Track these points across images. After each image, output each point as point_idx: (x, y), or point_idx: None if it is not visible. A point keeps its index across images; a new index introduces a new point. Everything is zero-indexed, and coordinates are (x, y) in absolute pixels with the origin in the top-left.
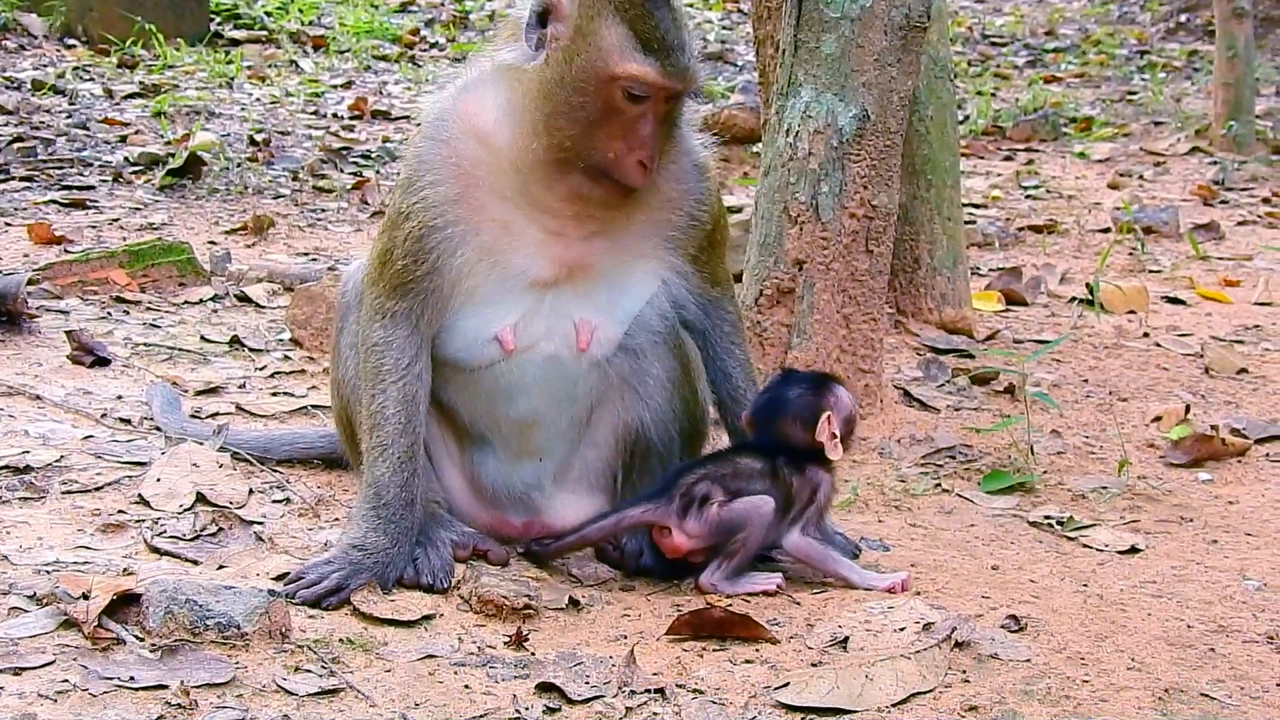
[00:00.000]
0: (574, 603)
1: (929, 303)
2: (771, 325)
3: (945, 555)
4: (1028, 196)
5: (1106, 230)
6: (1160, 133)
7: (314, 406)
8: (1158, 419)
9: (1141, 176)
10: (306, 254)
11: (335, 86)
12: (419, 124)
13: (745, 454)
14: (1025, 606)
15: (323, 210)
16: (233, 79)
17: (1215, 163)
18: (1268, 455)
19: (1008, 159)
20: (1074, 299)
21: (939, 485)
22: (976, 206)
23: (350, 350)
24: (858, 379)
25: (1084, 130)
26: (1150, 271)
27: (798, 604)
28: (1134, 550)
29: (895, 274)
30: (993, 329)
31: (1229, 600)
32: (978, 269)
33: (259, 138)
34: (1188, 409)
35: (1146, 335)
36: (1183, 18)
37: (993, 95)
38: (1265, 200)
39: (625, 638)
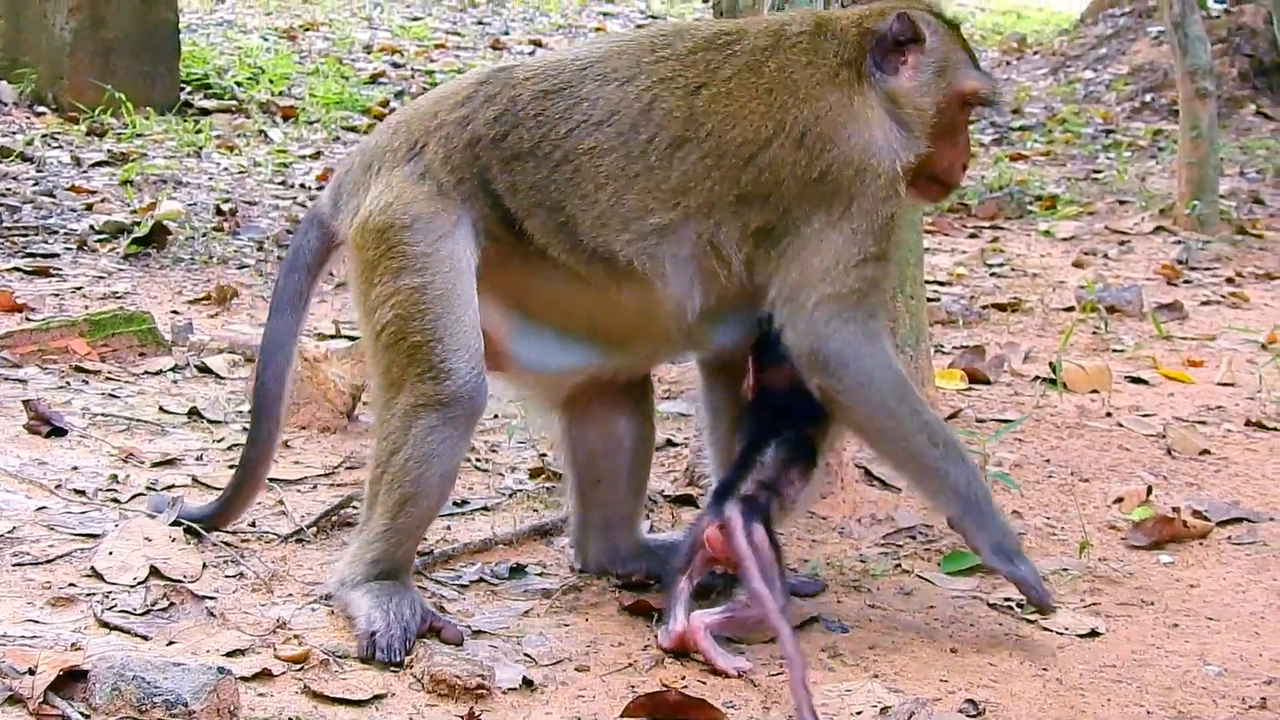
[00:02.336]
0: (528, 682)
1: None
2: None
3: (904, 637)
4: (992, 274)
5: (1071, 309)
6: (1125, 212)
7: (271, 480)
8: (1119, 500)
9: (1106, 255)
10: None
11: (303, 157)
12: None
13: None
14: (984, 690)
15: None
16: (201, 148)
17: (1179, 242)
18: (1229, 538)
19: (973, 236)
20: (1037, 378)
21: (899, 566)
22: (941, 284)
23: None
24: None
25: (1049, 208)
26: (1114, 351)
27: (755, 685)
28: (1094, 634)
29: None
30: (955, 408)
31: (1189, 686)
32: (941, 347)
33: (225, 207)
34: (1149, 490)
35: (1109, 415)
36: (1147, 97)
37: None
38: (1229, 280)
39: (579, 719)
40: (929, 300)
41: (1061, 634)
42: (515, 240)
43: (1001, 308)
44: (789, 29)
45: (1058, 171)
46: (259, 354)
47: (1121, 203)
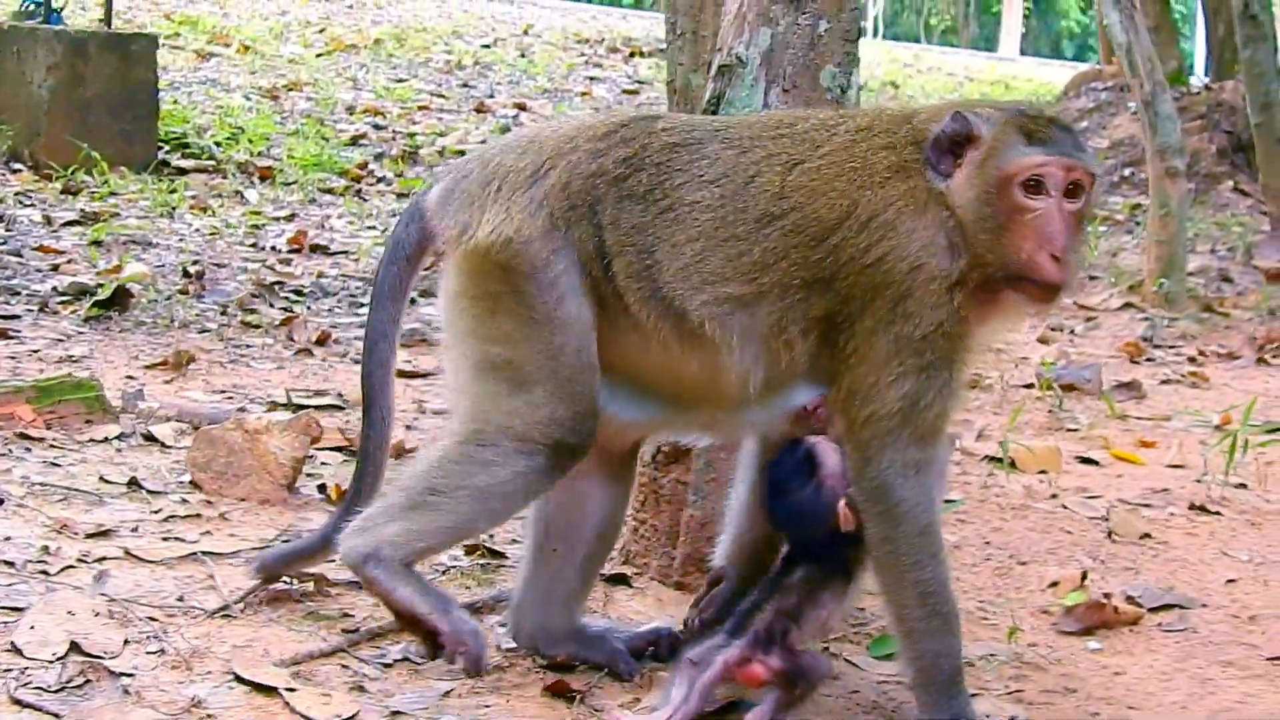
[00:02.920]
0: None
1: None
2: (668, 483)
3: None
4: None
5: (1030, 386)
6: (1095, 287)
7: (204, 553)
8: (1054, 584)
9: (1073, 331)
10: (223, 391)
11: (278, 219)
12: None
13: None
14: None
15: (248, 346)
16: (175, 208)
17: (1146, 319)
18: (1160, 625)
19: None
20: (986, 457)
21: (827, 649)
22: None
23: None
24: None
25: None
26: (1068, 430)
27: None
28: None
29: None
30: None
31: None
32: None
33: (193, 269)
34: (1084, 575)
35: (1054, 496)
36: (1126, 171)
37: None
38: (1191, 359)
39: None
40: None
41: None
42: (604, 280)
43: None
44: (883, 116)
45: None
46: (364, 345)
47: (1092, 278)
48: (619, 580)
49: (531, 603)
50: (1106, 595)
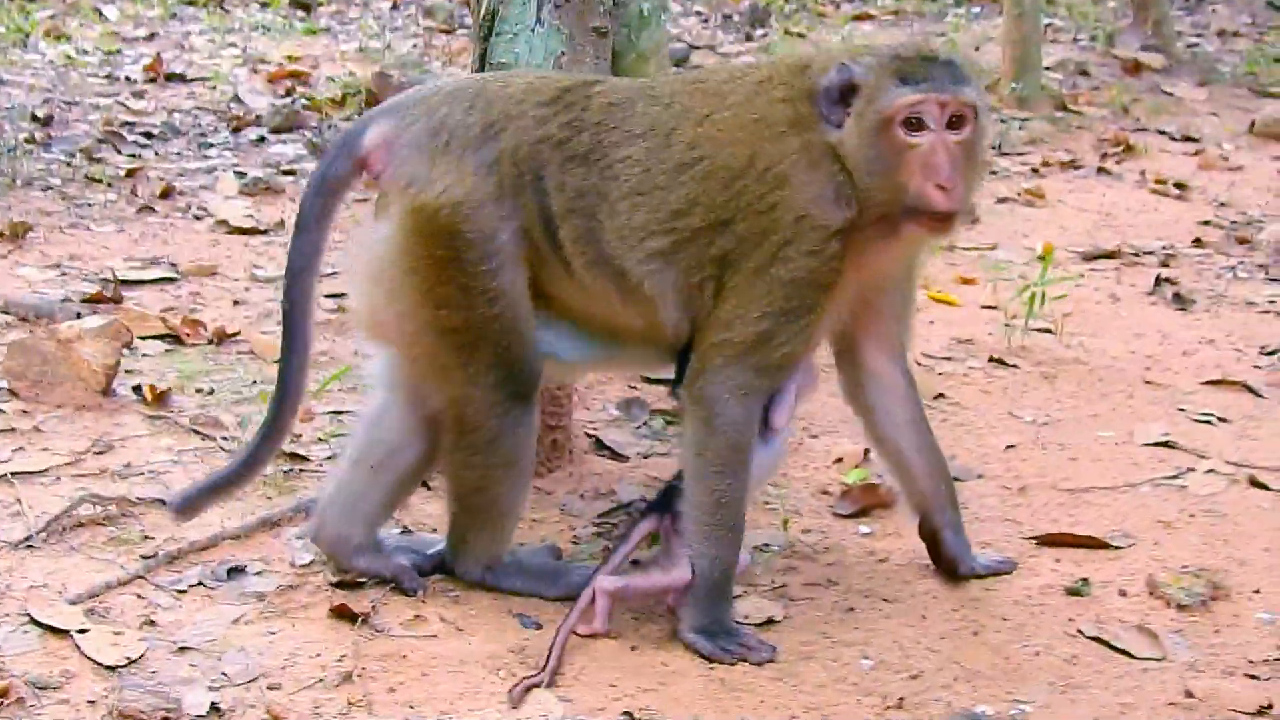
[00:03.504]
0: (215, 708)
1: None
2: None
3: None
4: None
5: None
6: None
7: (14, 474)
8: (839, 460)
9: None
10: (59, 266)
11: (137, 39)
12: None
13: None
14: (649, 696)
15: (89, 205)
16: (28, 35)
17: (1001, 120)
18: None
19: None
20: None
21: (608, 549)
22: None
23: None
24: (546, 435)
25: None
26: None
27: None
28: (770, 622)
29: None
30: None
31: (841, 683)
32: None
33: (41, 113)
34: (867, 451)
35: None
36: None
37: (801, 37)
38: (1034, 170)
39: None
40: None
41: (742, 622)
42: (548, 247)
43: None
44: (780, 66)
45: (903, 33)
46: (286, 272)
47: None
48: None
49: (337, 512)
50: (880, 475)
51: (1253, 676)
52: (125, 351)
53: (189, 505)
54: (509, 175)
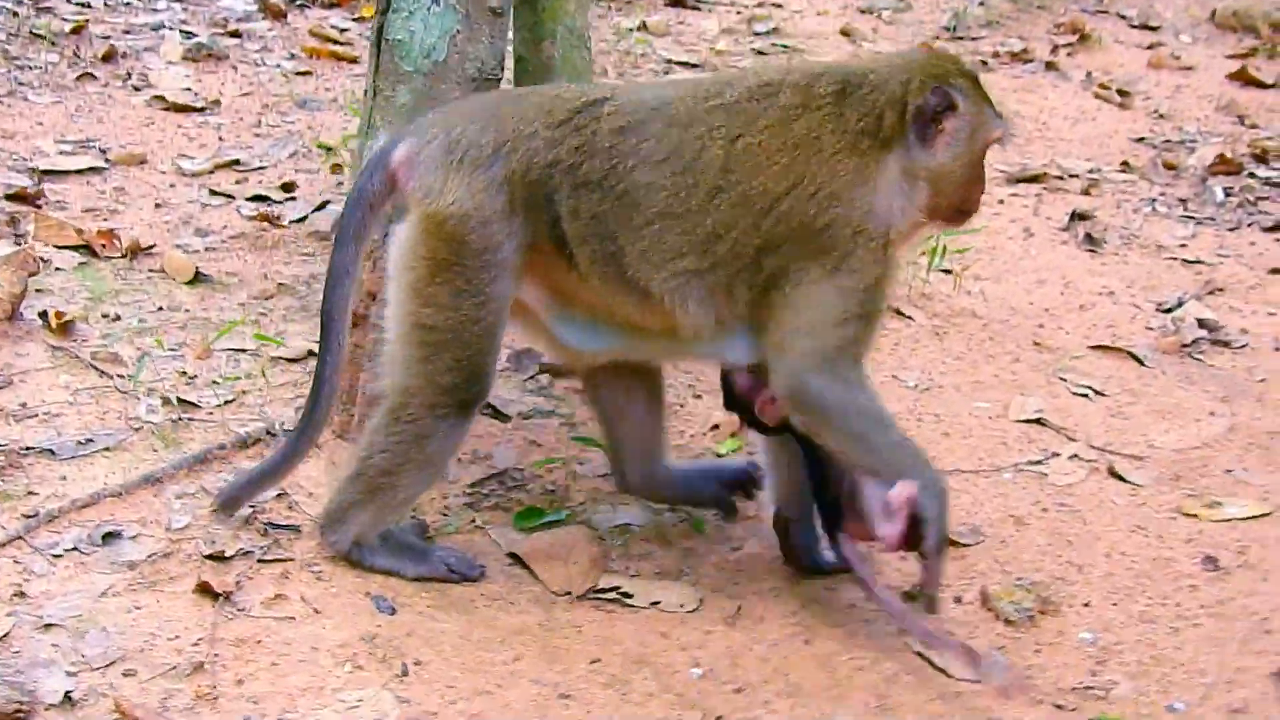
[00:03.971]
0: (69, 697)
1: None
2: (349, 348)
3: (449, 623)
4: (755, 50)
5: None
6: None
7: None
8: (715, 427)
9: (880, 16)
10: None
11: None
12: None
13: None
14: (483, 701)
15: (30, 67)
16: None
17: None
18: None
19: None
20: None
21: (474, 521)
22: (687, 65)
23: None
24: None
25: None
26: None
27: None
28: (626, 601)
29: None
30: None
31: (669, 693)
32: None
33: None
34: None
35: None
36: None
37: None
38: (984, 63)
39: None
40: None
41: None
42: (562, 261)
43: None
44: (817, 88)
45: None
46: (326, 282)
47: None
48: None
49: (626, 462)
50: (753, 447)
51: (1059, 706)
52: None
53: (231, 501)
54: (519, 195)
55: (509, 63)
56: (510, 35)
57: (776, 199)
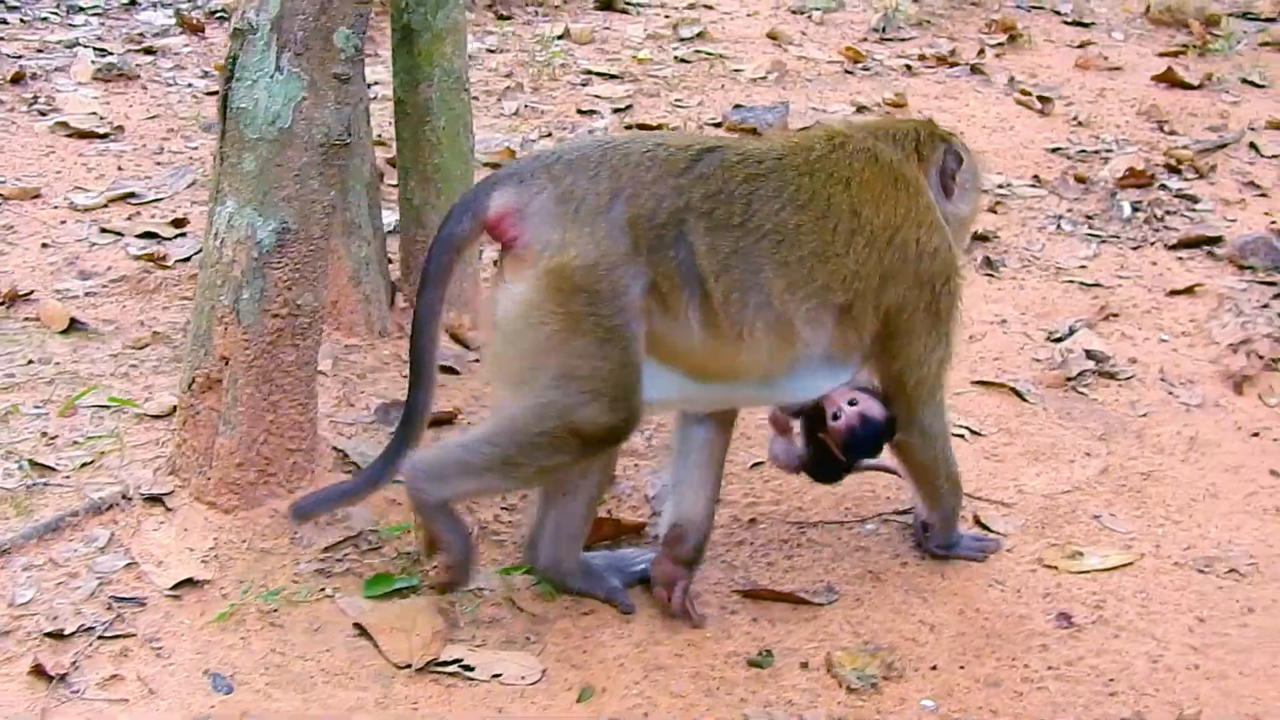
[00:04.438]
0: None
1: None
2: (203, 409)
3: (282, 703)
4: (678, 58)
5: (719, 124)
6: None
7: None
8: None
9: (810, 17)
10: None
11: None
12: None
13: None
14: None
15: None
16: None
17: None
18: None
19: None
20: None
21: (324, 590)
22: (608, 77)
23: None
24: (287, 458)
25: None
26: None
27: None
28: (467, 675)
29: (405, 280)
30: None
31: None
32: None
33: None
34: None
35: None
36: None
37: None
38: (907, 67)
39: None
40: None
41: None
42: (675, 295)
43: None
44: (873, 140)
45: None
46: (414, 323)
47: None
48: (155, 500)
49: (544, 536)
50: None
51: None
52: None
53: (306, 512)
54: (645, 237)
55: (388, 106)
56: (365, 96)
57: (894, 232)
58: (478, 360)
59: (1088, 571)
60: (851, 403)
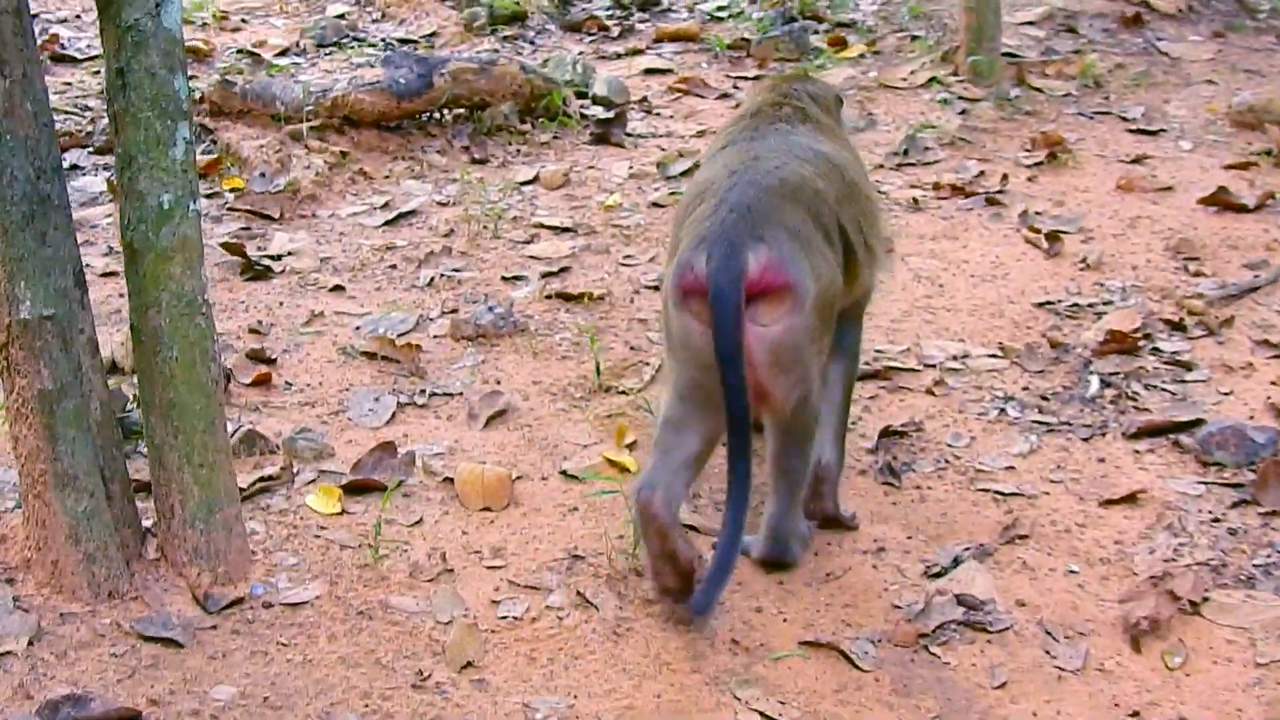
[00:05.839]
0: None
1: (183, 557)
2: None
3: None
4: (653, 204)
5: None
6: (914, 49)
7: None
8: None
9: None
10: None
11: None
12: None
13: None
14: None
15: None
16: None
17: (944, 101)
18: None
19: (722, 97)
20: None
21: None
22: (556, 230)
23: None
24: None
25: (837, 45)
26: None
27: None
28: None
29: (158, 525)
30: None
31: None
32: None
33: None
34: None
35: None
36: None
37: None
38: (914, 200)
39: None
40: None
41: None
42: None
43: (568, 297)
44: (808, 91)
45: None
46: (728, 398)
47: (914, 38)
48: None
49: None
50: None
51: None
52: None
53: (707, 607)
54: (831, 231)
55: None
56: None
57: (857, 178)
58: None
59: None
60: None
